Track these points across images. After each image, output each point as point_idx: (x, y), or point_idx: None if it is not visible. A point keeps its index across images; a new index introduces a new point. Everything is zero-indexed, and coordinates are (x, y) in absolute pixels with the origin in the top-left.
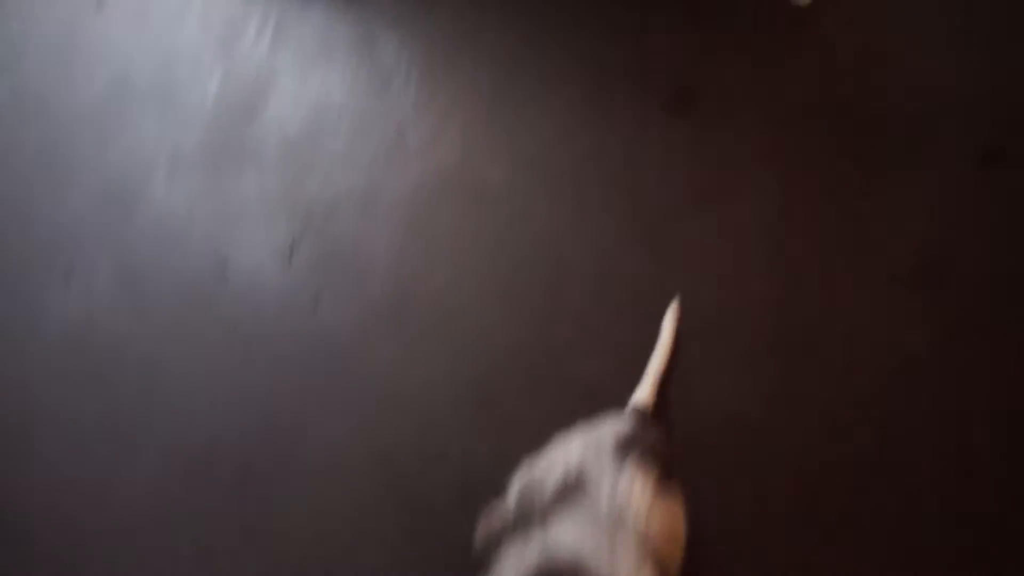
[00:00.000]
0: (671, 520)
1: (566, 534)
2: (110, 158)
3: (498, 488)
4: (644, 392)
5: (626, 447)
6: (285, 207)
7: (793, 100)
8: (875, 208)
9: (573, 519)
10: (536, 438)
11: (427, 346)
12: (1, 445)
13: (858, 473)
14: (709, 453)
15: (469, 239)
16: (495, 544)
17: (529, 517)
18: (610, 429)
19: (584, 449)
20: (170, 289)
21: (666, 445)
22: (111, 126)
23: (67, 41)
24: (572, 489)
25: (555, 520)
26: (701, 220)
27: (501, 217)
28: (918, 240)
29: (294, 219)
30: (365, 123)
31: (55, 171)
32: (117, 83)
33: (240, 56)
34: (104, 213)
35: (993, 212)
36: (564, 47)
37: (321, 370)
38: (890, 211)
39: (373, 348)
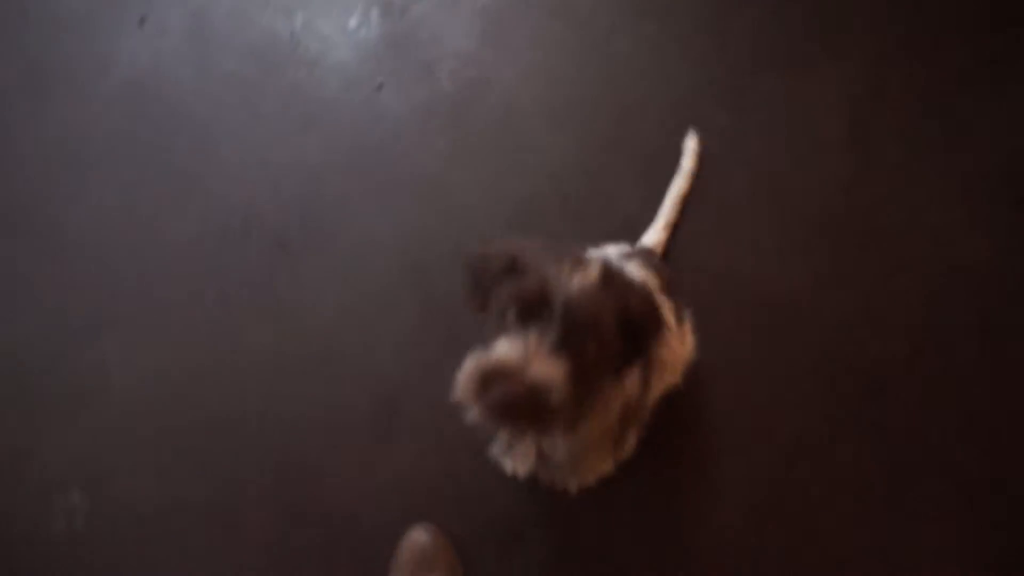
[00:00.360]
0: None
1: None
2: None
3: None
4: (656, 231)
5: (629, 256)
6: None
7: None
8: (978, 113)
9: None
10: None
11: (478, 153)
12: (55, 179)
13: (880, 374)
14: (737, 319)
15: (544, 56)
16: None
17: None
18: (614, 247)
19: (594, 252)
20: (240, 49)
21: (670, 274)
22: None
23: None
24: None
25: None
26: (786, 79)
27: (582, 39)
28: (1006, 155)
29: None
30: None
31: None
32: None
33: None
34: None
35: None
36: None
37: (371, 154)
38: (992, 120)
39: (425, 143)
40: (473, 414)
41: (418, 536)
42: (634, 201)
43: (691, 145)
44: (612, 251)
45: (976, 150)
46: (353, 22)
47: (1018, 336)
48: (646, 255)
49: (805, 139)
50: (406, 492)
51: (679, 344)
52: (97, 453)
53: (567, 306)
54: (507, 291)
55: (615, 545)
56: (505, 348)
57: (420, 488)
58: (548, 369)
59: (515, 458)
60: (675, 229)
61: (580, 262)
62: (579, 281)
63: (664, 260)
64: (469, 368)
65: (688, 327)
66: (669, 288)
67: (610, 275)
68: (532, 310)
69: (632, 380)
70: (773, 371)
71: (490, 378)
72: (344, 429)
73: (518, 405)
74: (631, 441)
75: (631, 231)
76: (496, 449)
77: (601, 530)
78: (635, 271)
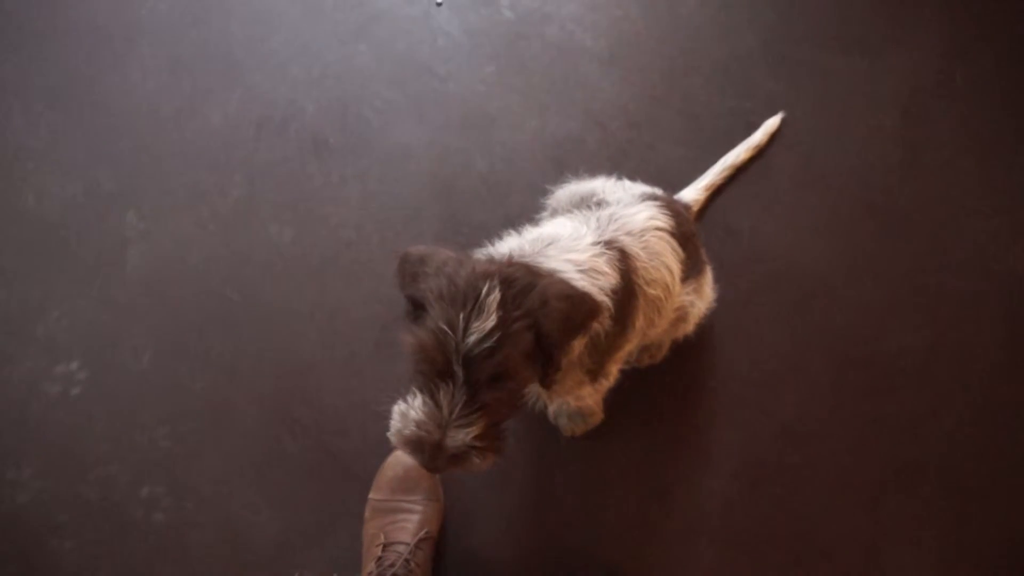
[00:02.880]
0: (661, 257)
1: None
2: None
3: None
4: (695, 190)
5: (650, 197)
6: None
7: None
8: None
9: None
10: None
11: (525, 84)
12: (104, 54)
13: (891, 370)
14: (758, 290)
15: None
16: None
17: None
18: (644, 187)
19: (615, 187)
20: None
21: (691, 225)
22: None
23: None
24: (591, 201)
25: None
26: (848, 59)
27: None
28: None
29: None
30: None
31: None
32: None
33: None
34: None
35: None
36: None
37: (419, 70)
38: None
39: (474, 66)
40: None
41: (403, 456)
42: (674, 157)
43: (772, 123)
44: (639, 189)
45: None
46: None
47: None
48: (670, 202)
49: (857, 123)
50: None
51: (696, 295)
52: (103, 326)
53: (468, 367)
54: (407, 341)
55: (600, 497)
56: (418, 417)
57: None
58: (462, 437)
59: None
60: (716, 193)
61: (476, 300)
62: (476, 334)
63: (697, 219)
64: (394, 432)
65: (707, 279)
66: (684, 238)
67: (512, 297)
68: (434, 368)
69: (600, 322)
70: (785, 347)
71: (414, 449)
72: (348, 338)
73: (447, 468)
74: (612, 371)
75: (666, 185)
76: None
77: (588, 481)
78: (648, 212)
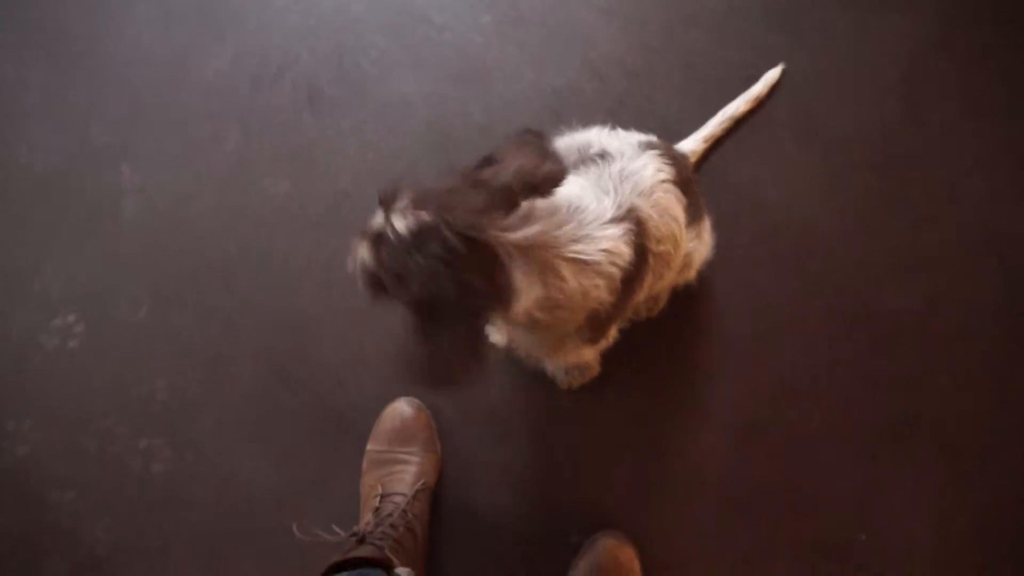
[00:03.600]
0: (670, 212)
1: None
2: None
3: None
4: (694, 141)
5: (649, 145)
6: None
7: None
8: None
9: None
10: None
11: (522, 34)
12: (100, 4)
13: (889, 328)
14: (757, 244)
15: None
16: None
17: None
18: (640, 135)
19: (611, 136)
20: None
21: (689, 171)
22: None
23: None
24: (591, 153)
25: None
26: (850, 14)
27: None
28: None
29: None
30: None
31: None
32: None
33: None
34: None
35: None
36: None
37: (415, 19)
38: None
39: (471, 16)
40: None
41: (400, 407)
42: (672, 109)
43: (772, 75)
44: (635, 138)
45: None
46: None
47: None
48: (668, 150)
49: (858, 79)
50: (396, 362)
51: (698, 241)
52: (99, 280)
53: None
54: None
55: (596, 451)
56: None
57: None
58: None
59: (496, 330)
60: (715, 144)
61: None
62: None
63: (695, 170)
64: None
65: (707, 225)
66: (685, 184)
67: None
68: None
69: (599, 288)
70: (783, 303)
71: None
72: (344, 291)
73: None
74: (612, 332)
75: (664, 136)
76: None
77: (585, 435)
78: (654, 165)
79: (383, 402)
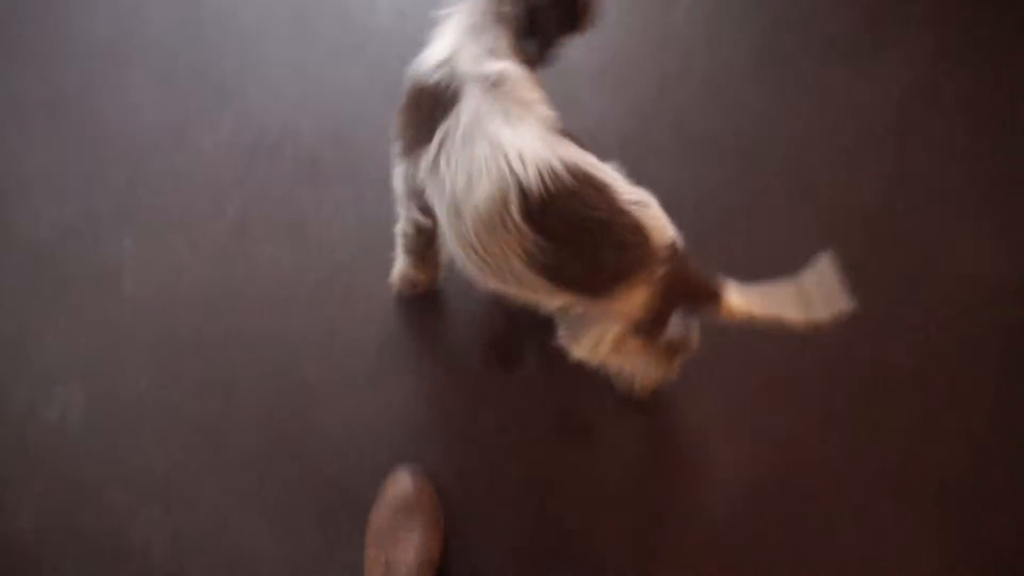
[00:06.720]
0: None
1: None
2: None
3: None
4: None
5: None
6: None
7: None
8: None
9: None
10: None
11: None
12: (99, 75)
13: (885, 378)
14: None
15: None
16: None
17: None
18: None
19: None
20: None
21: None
22: None
23: None
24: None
25: None
26: (836, 70)
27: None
28: None
29: None
30: None
31: None
32: None
33: None
34: None
35: None
36: None
37: None
38: None
39: None
40: None
41: (402, 479)
42: (663, 179)
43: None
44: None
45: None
46: None
47: None
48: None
49: (845, 134)
50: (398, 429)
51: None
52: (99, 352)
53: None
54: None
55: (596, 519)
56: None
57: (413, 427)
58: None
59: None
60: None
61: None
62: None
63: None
64: None
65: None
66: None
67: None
68: None
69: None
70: (776, 358)
71: None
72: (344, 361)
73: None
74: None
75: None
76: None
77: (584, 502)
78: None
79: (385, 472)
